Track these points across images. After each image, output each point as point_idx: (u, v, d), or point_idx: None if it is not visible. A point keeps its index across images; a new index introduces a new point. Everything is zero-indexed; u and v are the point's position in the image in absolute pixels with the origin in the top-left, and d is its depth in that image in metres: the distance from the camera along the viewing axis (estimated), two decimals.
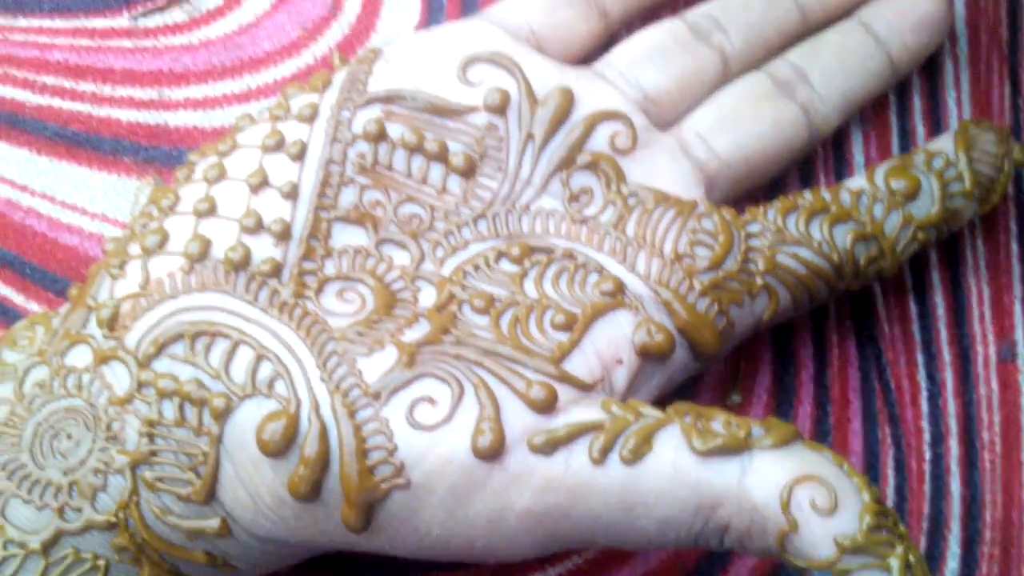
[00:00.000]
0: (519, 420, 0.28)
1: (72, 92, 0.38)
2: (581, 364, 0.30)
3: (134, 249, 0.31)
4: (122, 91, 0.38)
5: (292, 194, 0.32)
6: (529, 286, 0.31)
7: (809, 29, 0.37)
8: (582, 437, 0.28)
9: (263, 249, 0.31)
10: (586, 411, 0.29)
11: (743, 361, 0.36)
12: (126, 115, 0.38)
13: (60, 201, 0.37)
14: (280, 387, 0.29)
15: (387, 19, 0.39)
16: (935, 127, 0.38)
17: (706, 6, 0.37)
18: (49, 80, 0.38)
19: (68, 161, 0.37)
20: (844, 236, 0.33)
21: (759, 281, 0.32)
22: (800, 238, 0.33)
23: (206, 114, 0.38)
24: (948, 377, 0.36)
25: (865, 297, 0.37)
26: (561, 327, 0.30)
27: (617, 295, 0.31)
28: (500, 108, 0.33)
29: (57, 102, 0.38)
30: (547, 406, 0.28)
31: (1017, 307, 0.37)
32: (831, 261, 0.33)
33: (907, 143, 0.38)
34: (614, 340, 0.30)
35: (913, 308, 0.37)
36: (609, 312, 0.31)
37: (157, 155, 0.37)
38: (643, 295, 0.31)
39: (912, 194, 0.34)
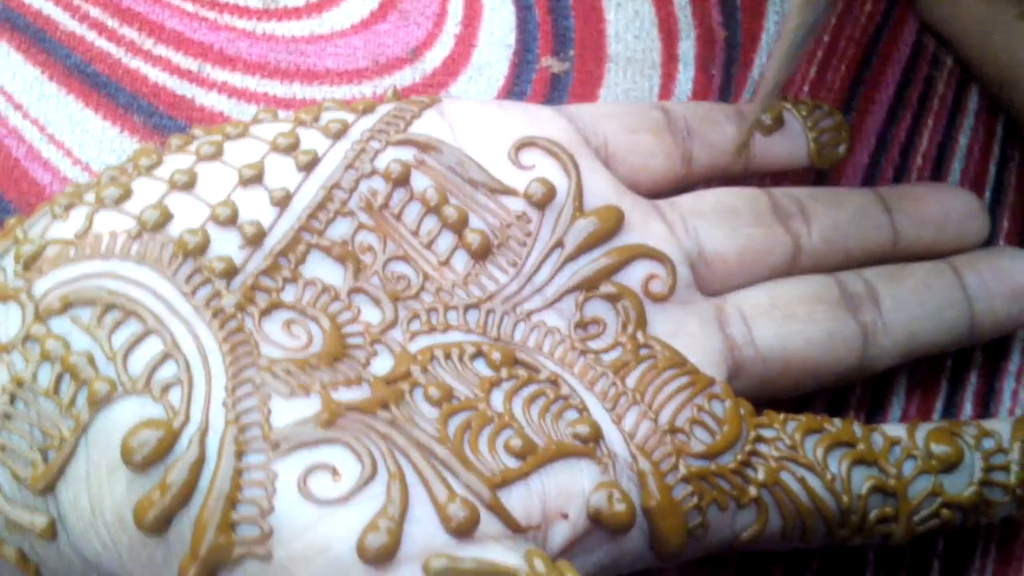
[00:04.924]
0: (424, 533, 0.23)
1: (111, 32, 0.35)
2: (520, 501, 0.25)
3: (89, 196, 0.27)
4: (162, 50, 0.35)
5: (282, 203, 0.28)
6: (497, 398, 0.27)
7: (896, 255, 0.33)
8: None
9: (225, 246, 0.27)
10: (504, 553, 0.24)
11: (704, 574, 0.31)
12: (156, 75, 0.34)
13: (49, 134, 0.33)
14: (174, 396, 0.24)
15: (463, 85, 0.36)
16: (983, 411, 0.35)
17: (798, 189, 0.33)
18: (94, 11, 0.35)
19: (76, 98, 0.34)
20: (862, 480, 0.28)
21: (753, 491, 0.27)
22: (814, 464, 0.28)
23: (237, 105, 0.34)
24: None
25: (855, 555, 0.32)
26: (515, 452, 0.26)
27: (590, 443, 0.26)
28: (541, 202, 0.30)
29: (92, 36, 0.35)
30: (463, 529, 0.24)
31: None
32: (839, 502, 0.28)
33: (950, 415, 0.34)
34: (567, 490, 0.26)
35: None
36: (574, 457, 0.26)
37: (170, 126, 0.34)
38: (619, 455, 0.27)
39: (951, 465, 0.29)
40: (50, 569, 0.25)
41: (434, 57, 0.36)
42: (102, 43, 0.35)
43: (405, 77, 0.35)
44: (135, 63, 0.35)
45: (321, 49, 0.36)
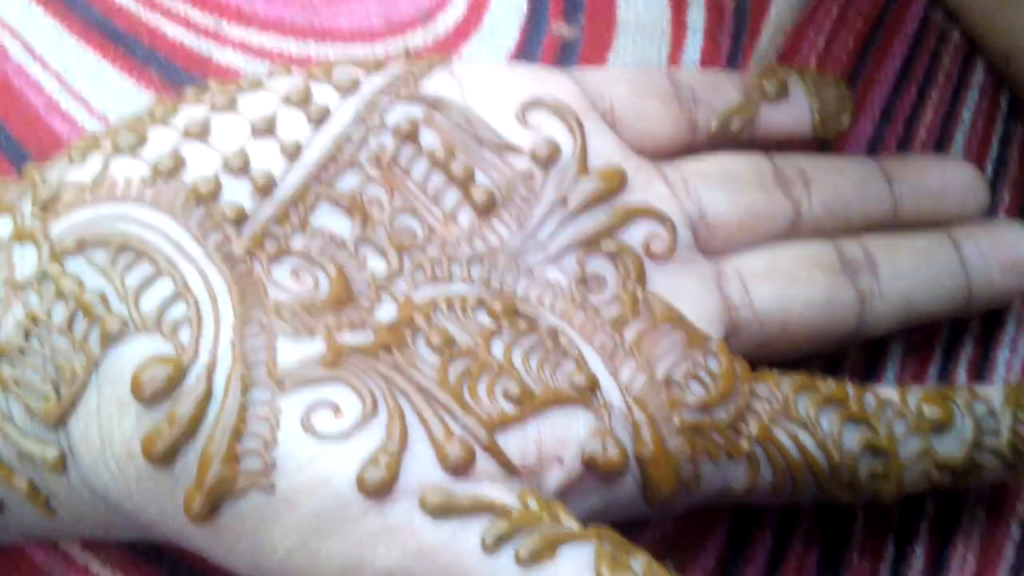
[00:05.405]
0: (421, 469, 0.24)
1: None
2: (516, 444, 0.26)
3: (105, 143, 0.28)
4: (181, 6, 0.35)
5: (293, 154, 0.28)
6: (497, 347, 0.28)
7: (896, 224, 0.34)
8: (482, 515, 0.24)
9: (236, 194, 0.28)
10: (498, 491, 0.24)
11: (692, 530, 0.31)
12: (174, 30, 0.35)
13: (68, 86, 0.34)
14: (183, 334, 0.25)
15: (474, 48, 0.36)
16: (977, 379, 0.35)
17: (799, 156, 0.34)
18: None
19: (95, 51, 0.35)
20: (853, 439, 0.29)
21: (745, 445, 0.28)
22: (806, 421, 0.29)
23: (252, 62, 0.35)
24: None
25: (844, 514, 0.32)
26: (512, 399, 0.26)
27: (587, 393, 0.27)
28: (546, 160, 0.30)
29: None
30: (459, 467, 0.24)
31: None
32: (830, 459, 0.29)
33: (944, 383, 0.35)
34: (563, 437, 0.26)
35: (891, 548, 0.32)
36: (570, 406, 0.27)
37: (186, 81, 0.34)
38: (615, 405, 0.27)
39: (942, 427, 0.30)
40: (59, 500, 0.26)
41: (446, 20, 0.36)
42: None
43: (417, 39, 0.36)
44: (153, 18, 0.35)
45: (335, 8, 0.36)
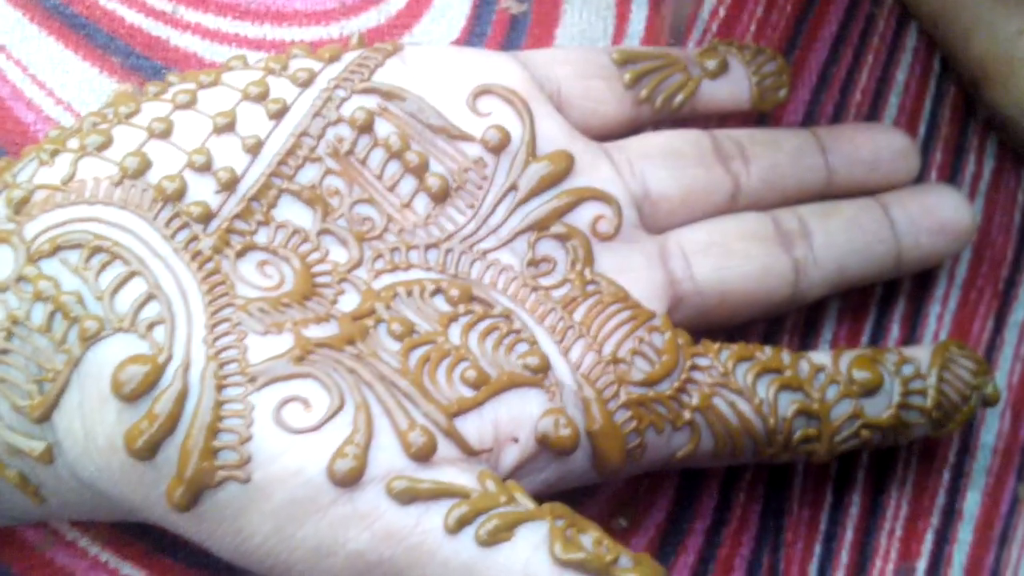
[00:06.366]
0: (387, 458, 0.26)
1: None
2: (474, 427, 0.28)
3: (73, 143, 0.29)
4: None
5: (254, 149, 0.30)
6: (455, 332, 0.29)
7: (830, 193, 0.36)
8: (444, 499, 0.26)
9: (201, 191, 0.29)
10: (459, 475, 0.26)
11: (642, 488, 0.34)
12: (132, 16, 0.36)
13: (32, 74, 0.35)
14: (158, 333, 0.27)
15: (426, 26, 0.37)
16: (910, 333, 0.37)
17: (738, 131, 0.35)
18: None
19: (56, 39, 0.35)
20: (788, 404, 0.31)
21: (687, 415, 0.30)
22: (744, 390, 0.31)
23: (210, 46, 0.36)
24: None
25: (785, 468, 0.35)
26: (470, 383, 0.28)
27: (539, 373, 0.29)
28: (496, 147, 0.32)
29: None
30: (422, 454, 0.26)
31: (929, 536, 0.35)
32: (766, 424, 0.31)
33: (878, 338, 0.37)
34: (517, 417, 0.28)
35: (829, 497, 0.35)
36: (524, 387, 0.29)
37: (146, 66, 0.35)
38: (565, 384, 0.29)
39: (871, 389, 0.32)
40: (49, 489, 0.28)
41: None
42: None
43: (371, 19, 0.37)
44: (111, 4, 0.36)
45: None
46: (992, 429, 0.36)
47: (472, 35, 0.37)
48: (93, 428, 0.26)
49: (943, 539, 0.35)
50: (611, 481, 0.33)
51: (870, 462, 0.35)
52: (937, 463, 0.36)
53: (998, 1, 0.36)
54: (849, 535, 0.34)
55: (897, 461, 0.36)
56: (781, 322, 0.36)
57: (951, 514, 0.35)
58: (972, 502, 0.35)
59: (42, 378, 0.27)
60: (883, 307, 0.37)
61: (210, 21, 0.36)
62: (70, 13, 0.36)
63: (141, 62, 0.35)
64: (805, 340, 0.36)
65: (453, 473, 0.26)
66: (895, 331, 0.37)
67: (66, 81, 0.35)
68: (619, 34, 0.38)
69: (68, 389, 0.27)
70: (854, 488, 0.35)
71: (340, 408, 0.26)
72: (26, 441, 0.27)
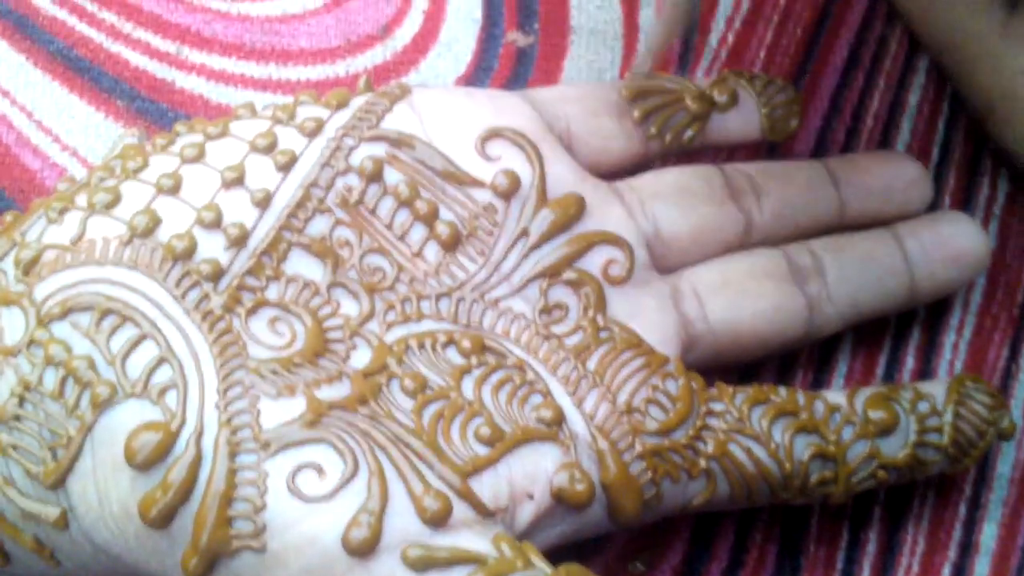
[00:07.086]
0: (402, 524, 0.26)
1: (91, 17, 0.36)
2: (489, 485, 0.27)
3: (81, 200, 0.29)
4: (141, 33, 0.36)
5: (263, 203, 0.30)
6: (468, 385, 0.29)
7: (843, 224, 0.35)
8: (460, 566, 0.26)
9: (211, 249, 0.29)
10: (475, 540, 0.26)
11: (658, 530, 0.34)
12: (136, 59, 0.36)
13: (37, 120, 0.35)
14: (170, 398, 0.26)
15: (433, 61, 0.37)
16: (925, 363, 0.37)
17: (750, 165, 0.35)
18: None
19: (61, 84, 0.35)
20: (804, 448, 0.31)
21: (703, 463, 0.30)
22: (759, 434, 0.31)
23: (216, 87, 0.36)
24: None
25: (801, 507, 0.34)
26: (484, 440, 0.28)
27: (553, 426, 0.29)
28: (506, 193, 0.31)
29: (72, 21, 0.36)
30: (437, 520, 0.26)
31: (946, 570, 0.34)
32: (782, 468, 0.31)
33: (893, 369, 0.37)
34: (532, 473, 0.28)
35: (845, 536, 0.34)
36: (538, 442, 0.29)
37: (151, 110, 0.35)
38: (580, 435, 0.29)
39: (887, 429, 0.32)
40: (64, 553, 0.28)
41: (404, 34, 0.37)
42: (83, 28, 0.36)
43: (376, 55, 0.37)
44: (116, 47, 0.36)
45: (294, 28, 0.37)
46: (1008, 459, 0.36)
47: (479, 69, 0.37)
48: (107, 495, 0.26)
49: (960, 573, 0.34)
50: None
51: (886, 498, 0.35)
52: (954, 496, 0.35)
53: (1004, 34, 0.36)
54: (866, 573, 0.34)
55: (913, 496, 0.35)
56: (795, 355, 0.36)
57: (968, 547, 0.35)
58: (989, 535, 0.35)
59: (55, 444, 0.27)
60: (897, 338, 0.37)
61: (215, 62, 0.36)
62: (74, 57, 0.36)
63: (147, 105, 0.35)
64: (819, 373, 0.36)
65: (469, 537, 0.26)
66: (910, 362, 0.37)
67: (72, 126, 0.35)
68: (627, 64, 0.38)
69: (81, 455, 0.26)
70: (871, 525, 0.35)
71: (354, 474, 0.26)
72: (41, 507, 0.27)
